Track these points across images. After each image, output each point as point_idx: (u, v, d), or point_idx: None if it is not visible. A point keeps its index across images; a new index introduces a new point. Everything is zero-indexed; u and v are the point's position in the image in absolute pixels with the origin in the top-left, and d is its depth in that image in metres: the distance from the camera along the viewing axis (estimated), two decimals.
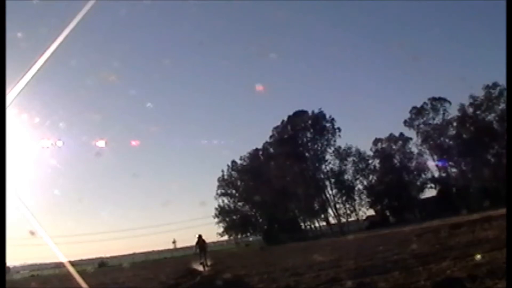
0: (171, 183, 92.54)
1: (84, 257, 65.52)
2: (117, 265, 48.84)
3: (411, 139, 54.93)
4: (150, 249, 77.66)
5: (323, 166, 57.07)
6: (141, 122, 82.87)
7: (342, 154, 56.74)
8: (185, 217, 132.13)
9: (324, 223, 59.02)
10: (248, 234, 65.19)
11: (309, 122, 57.16)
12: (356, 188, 56.91)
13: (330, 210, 56.84)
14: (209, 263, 19.71)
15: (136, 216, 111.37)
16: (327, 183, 56.81)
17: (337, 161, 56.95)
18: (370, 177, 57.12)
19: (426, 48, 75.59)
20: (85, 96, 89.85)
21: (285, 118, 57.82)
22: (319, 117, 56.85)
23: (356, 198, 56.63)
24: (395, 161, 56.20)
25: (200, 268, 18.10)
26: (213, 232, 62.34)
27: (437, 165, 53.62)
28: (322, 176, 57.10)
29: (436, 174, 54.24)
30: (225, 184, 63.58)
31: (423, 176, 54.85)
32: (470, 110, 50.97)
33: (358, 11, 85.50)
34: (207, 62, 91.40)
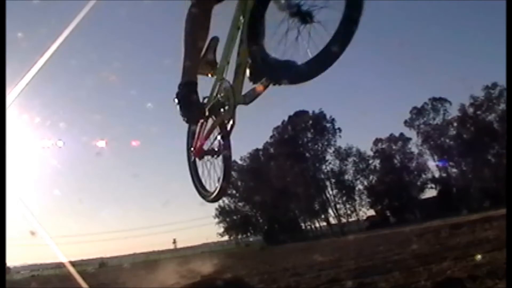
0: (171, 183, 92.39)
1: (85, 257, 65.41)
2: (118, 265, 48.80)
3: (411, 139, 55.19)
4: (150, 249, 77.28)
5: (324, 166, 57.26)
6: (141, 122, 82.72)
7: (343, 154, 56.92)
8: (185, 217, 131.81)
9: (325, 223, 59.11)
10: (249, 234, 65.21)
11: (310, 122, 57.29)
12: (357, 188, 57.16)
13: (330, 210, 57.04)
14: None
15: (136, 216, 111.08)
16: (328, 183, 56.96)
17: (338, 161, 57.19)
18: (371, 177, 57.24)
19: (426, 48, 75.68)
20: (85, 96, 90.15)
21: (286, 118, 58.06)
22: (320, 117, 57.02)
23: (357, 198, 56.85)
24: (396, 161, 56.26)
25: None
26: (214, 233, 62.39)
27: (437, 165, 53.78)
28: (322, 176, 57.22)
29: (437, 174, 54.46)
30: None
31: (424, 176, 55.01)
32: (471, 110, 51.10)
33: None
34: None
